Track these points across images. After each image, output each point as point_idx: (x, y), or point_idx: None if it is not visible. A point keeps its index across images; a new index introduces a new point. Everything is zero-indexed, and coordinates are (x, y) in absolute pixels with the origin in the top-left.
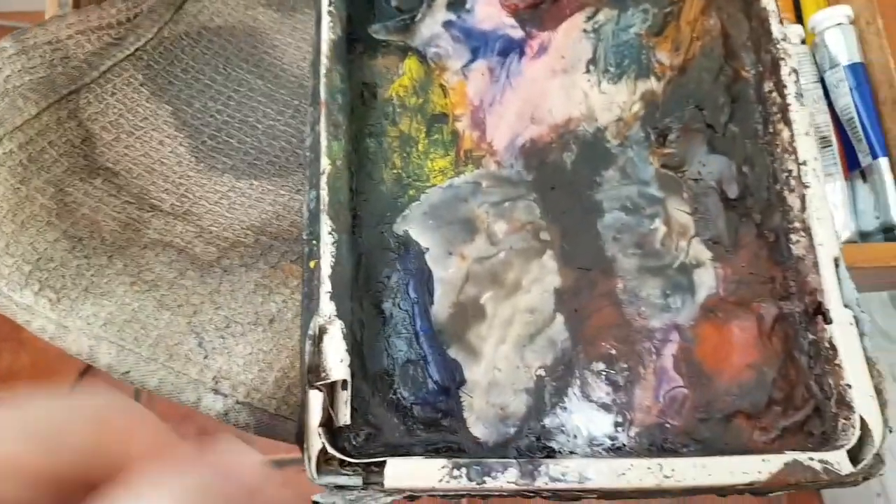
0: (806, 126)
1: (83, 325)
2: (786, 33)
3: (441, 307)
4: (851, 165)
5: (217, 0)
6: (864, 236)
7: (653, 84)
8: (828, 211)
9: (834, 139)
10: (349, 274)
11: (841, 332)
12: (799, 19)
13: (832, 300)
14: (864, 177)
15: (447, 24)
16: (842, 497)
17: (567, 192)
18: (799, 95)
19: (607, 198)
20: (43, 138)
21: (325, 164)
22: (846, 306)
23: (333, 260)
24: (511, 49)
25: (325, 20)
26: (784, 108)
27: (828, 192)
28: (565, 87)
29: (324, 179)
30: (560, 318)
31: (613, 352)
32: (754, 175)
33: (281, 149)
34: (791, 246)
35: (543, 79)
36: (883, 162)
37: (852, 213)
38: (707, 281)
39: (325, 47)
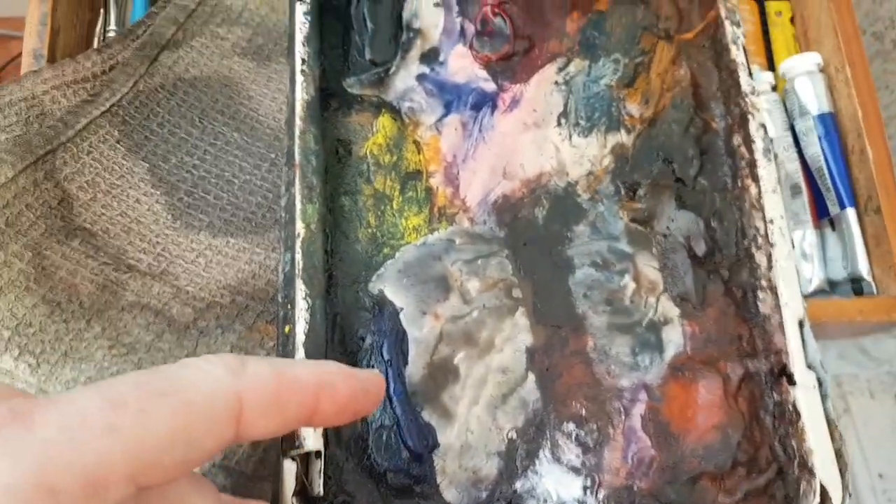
0: (773, 183)
1: (63, 390)
2: (754, 86)
3: (415, 368)
4: (821, 213)
5: (192, 50)
6: (832, 285)
7: (623, 137)
8: (793, 271)
9: (804, 187)
10: (323, 337)
11: (804, 395)
12: (771, 63)
13: (796, 362)
14: (832, 225)
15: (421, 77)
16: None
17: (539, 247)
18: (767, 151)
19: (578, 253)
20: (20, 201)
21: (299, 227)
22: (810, 367)
23: (307, 326)
24: (484, 103)
25: (299, 80)
26: (752, 164)
27: (797, 240)
28: (537, 141)
29: (298, 243)
30: (532, 378)
31: (584, 412)
32: (723, 230)
33: (257, 204)
34: (758, 303)
35: (515, 133)
36: (850, 213)
37: (822, 261)
38: (675, 339)
39: (298, 108)
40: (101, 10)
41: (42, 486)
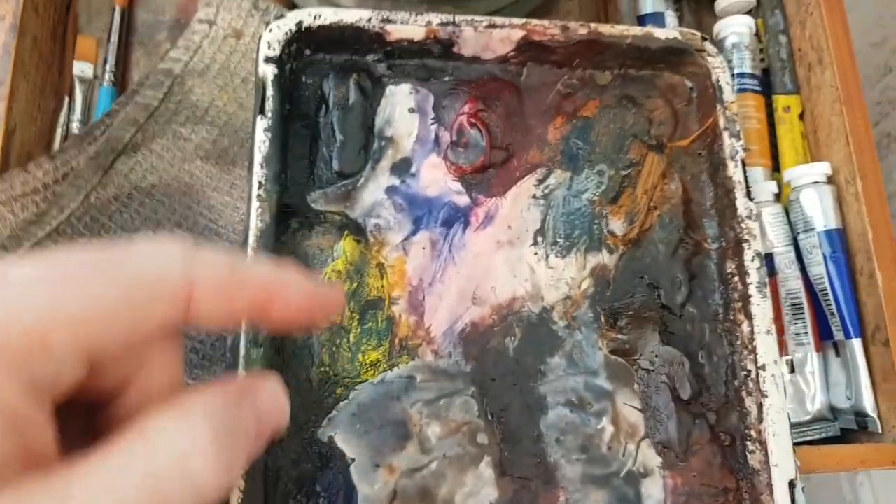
0: (768, 323)
1: None
2: (752, 209)
3: None
4: (824, 335)
5: (152, 154)
6: (835, 412)
7: (605, 258)
8: (786, 424)
9: (806, 306)
10: (260, 500)
11: None
12: (777, 162)
13: None
14: (836, 349)
15: (390, 190)
16: None
17: (508, 384)
18: (762, 286)
19: (552, 390)
20: None
21: (241, 375)
22: None
23: (242, 495)
24: (455, 219)
25: (254, 205)
26: (745, 298)
27: (798, 363)
28: (510, 261)
29: None
30: None
31: None
32: (712, 366)
33: (207, 333)
34: (747, 454)
35: (488, 252)
36: (856, 344)
37: (824, 385)
38: (655, 494)
39: (251, 237)
40: (66, 99)
41: None
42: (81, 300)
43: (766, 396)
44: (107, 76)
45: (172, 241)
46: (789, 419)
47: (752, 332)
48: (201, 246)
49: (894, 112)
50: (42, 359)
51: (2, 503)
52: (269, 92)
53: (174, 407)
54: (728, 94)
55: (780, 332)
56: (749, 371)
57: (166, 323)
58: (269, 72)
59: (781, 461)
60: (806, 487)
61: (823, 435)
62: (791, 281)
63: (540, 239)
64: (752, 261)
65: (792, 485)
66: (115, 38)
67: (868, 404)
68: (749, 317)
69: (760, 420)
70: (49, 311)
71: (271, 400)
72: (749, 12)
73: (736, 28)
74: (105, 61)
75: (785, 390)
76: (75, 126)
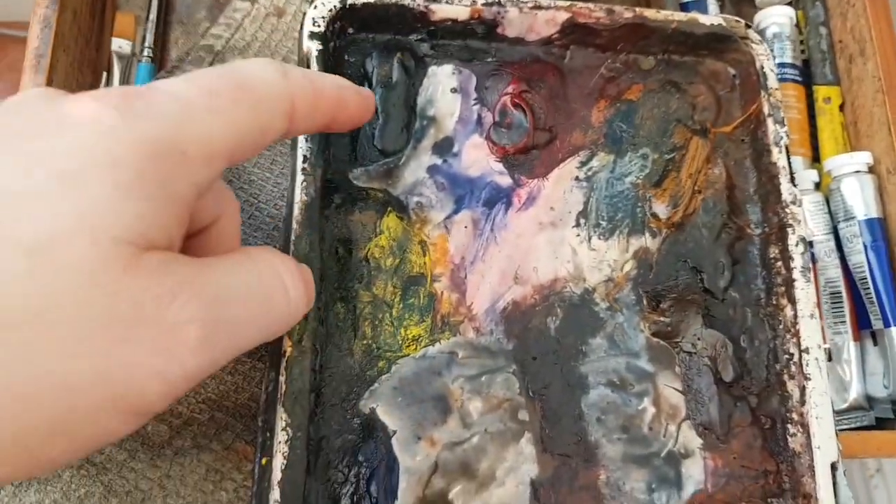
0: (811, 307)
1: None
2: (796, 195)
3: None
4: (862, 324)
5: None
6: (871, 401)
7: (647, 241)
8: (829, 408)
9: (845, 295)
10: (303, 472)
11: None
12: (817, 152)
13: None
14: (874, 338)
15: (432, 170)
16: None
17: (550, 363)
18: (806, 270)
19: (593, 371)
20: None
21: (286, 344)
22: None
23: (285, 462)
24: (497, 199)
25: (299, 179)
26: (788, 282)
27: (835, 351)
28: (553, 242)
29: (284, 362)
30: None
31: None
32: (753, 350)
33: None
34: (788, 437)
35: (530, 233)
36: (895, 332)
37: (861, 375)
38: (695, 474)
39: (296, 210)
40: (104, 74)
41: (177, 147)
42: (232, 115)
43: (809, 379)
44: (145, 53)
45: (270, 63)
46: (832, 403)
47: (795, 315)
48: (287, 67)
49: None
50: (206, 168)
51: (161, 259)
52: (314, 67)
53: (265, 248)
54: (772, 81)
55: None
56: (792, 354)
57: (277, 137)
58: (313, 47)
59: (824, 444)
60: None
61: (858, 424)
62: (830, 270)
63: (582, 221)
64: (797, 245)
65: (834, 467)
66: (153, 15)
67: None
68: (793, 301)
69: (803, 403)
70: (213, 125)
71: (310, 276)
72: (790, 3)
73: (777, 18)
74: (143, 38)
75: (827, 374)
76: None
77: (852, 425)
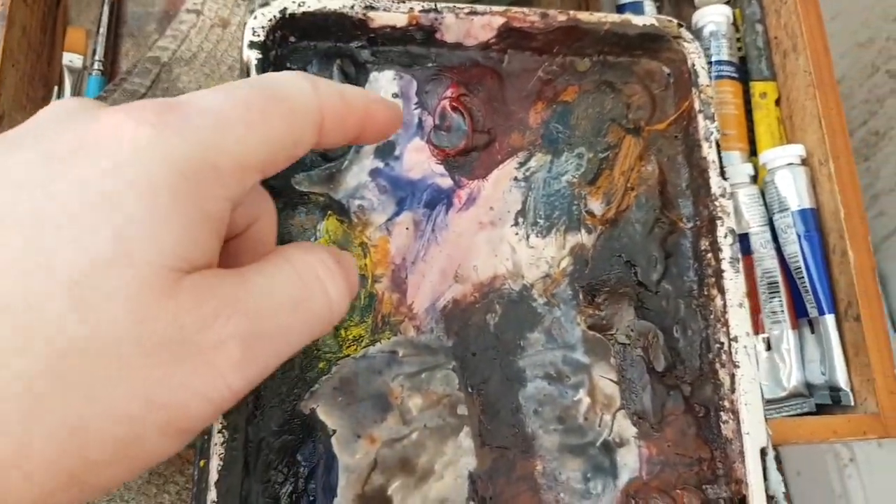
0: (740, 297)
1: None
2: (725, 188)
3: (343, 500)
4: (800, 313)
5: None
6: (811, 388)
7: (583, 237)
8: (758, 395)
9: (782, 285)
10: (240, 473)
11: None
12: (754, 147)
13: (756, 496)
14: (811, 327)
15: (374, 173)
16: None
17: (489, 358)
18: (735, 261)
19: (530, 364)
20: None
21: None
22: (772, 498)
23: (221, 463)
24: (438, 200)
25: None
26: (718, 273)
27: (774, 340)
28: (492, 241)
29: None
30: None
31: None
32: (687, 340)
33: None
34: (721, 424)
35: (470, 233)
36: (829, 319)
37: (800, 363)
38: (630, 462)
39: None
40: (55, 88)
41: (208, 163)
42: (265, 128)
43: (738, 367)
44: (95, 66)
45: (300, 75)
46: (761, 389)
47: (724, 305)
48: (315, 79)
49: (882, 110)
50: (241, 183)
51: (201, 279)
52: (253, 75)
53: (302, 245)
54: (703, 78)
55: (757, 310)
56: (722, 343)
57: (308, 149)
58: (252, 56)
59: (753, 430)
60: (797, 482)
61: (799, 411)
62: (767, 260)
63: (521, 219)
64: (725, 237)
65: (763, 452)
66: (104, 29)
67: (841, 378)
68: (722, 291)
69: (733, 390)
70: (246, 138)
71: (352, 265)
72: (727, 2)
73: (714, 17)
74: (94, 52)
75: (757, 361)
76: None
77: (793, 412)
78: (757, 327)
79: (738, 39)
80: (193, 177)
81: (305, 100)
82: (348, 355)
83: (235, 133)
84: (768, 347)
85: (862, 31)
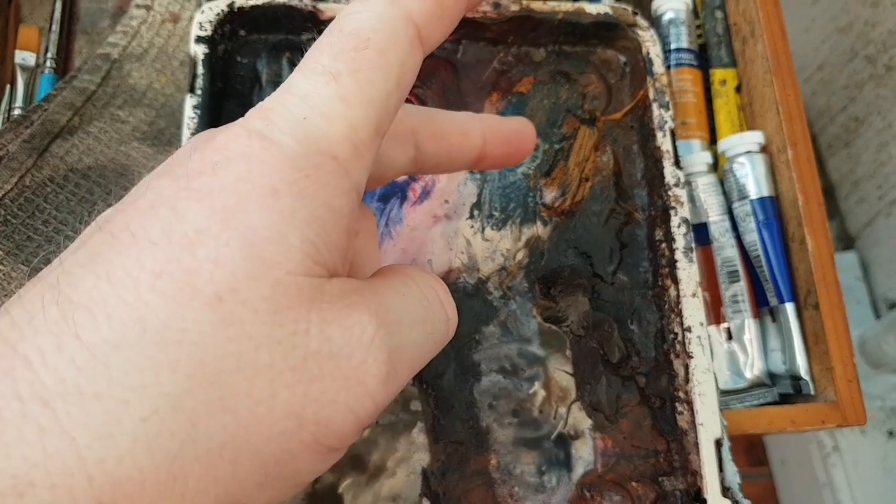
0: (693, 287)
1: None
2: (679, 177)
3: (293, 499)
4: (761, 301)
5: (88, 136)
6: (773, 377)
7: (539, 229)
8: (712, 385)
9: (742, 274)
10: None
11: None
12: (715, 137)
13: (710, 488)
14: (772, 315)
15: None
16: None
17: (443, 352)
18: (688, 251)
19: (486, 358)
20: None
21: None
22: (727, 489)
23: None
24: (392, 194)
25: None
26: (672, 264)
27: (735, 329)
28: (447, 234)
29: None
30: None
31: None
32: (642, 331)
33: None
34: (676, 416)
35: (425, 226)
36: (789, 307)
37: (762, 351)
38: (585, 455)
39: None
40: (8, 87)
41: (325, 154)
42: (363, 91)
43: (691, 357)
44: (48, 64)
45: (374, 4)
46: (716, 380)
47: (678, 295)
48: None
49: (861, 95)
50: (361, 165)
51: (341, 288)
52: (200, 70)
53: (414, 265)
54: (658, 67)
55: (718, 300)
56: (676, 334)
57: (416, 72)
58: (199, 51)
59: (707, 420)
60: (781, 471)
61: (762, 401)
62: (727, 249)
63: (476, 212)
64: (679, 227)
65: (719, 444)
66: (56, 27)
67: (802, 367)
68: (676, 281)
69: (687, 381)
70: (350, 113)
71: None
72: None
73: (673, 4)
74: (47, 50)
75: (711, 352)
76: (17, 113)
77: (755, 402)
78: (718, 317)
79: (699, 27)
80: (314, 173)
81: (389, 27)
82: None
83: (337, 112)
84: (729, 337)
85: (842, 16)
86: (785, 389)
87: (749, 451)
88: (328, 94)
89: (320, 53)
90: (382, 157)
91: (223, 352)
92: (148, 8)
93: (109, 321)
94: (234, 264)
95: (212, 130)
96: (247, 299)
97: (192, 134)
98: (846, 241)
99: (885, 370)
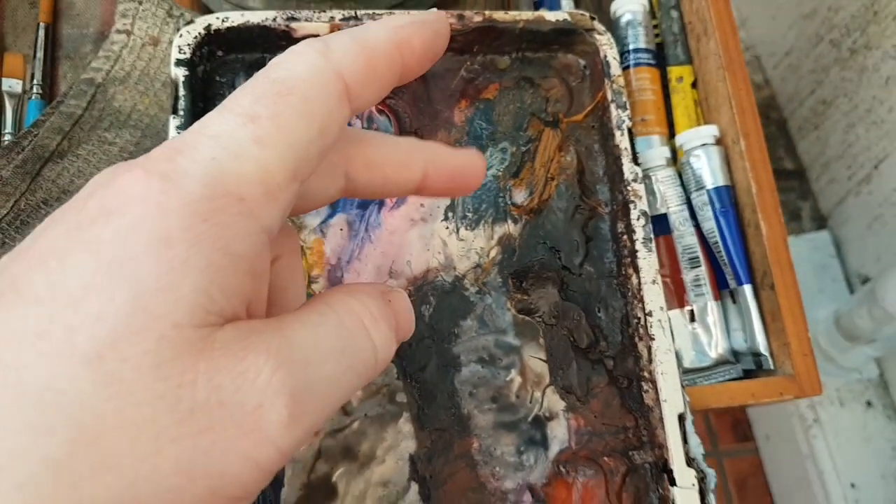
0: (653, 274)
1: None
2: (637, 173)
3: (291, 490)
4: (721, 284)
5: (78, 159)
6: (737, 355)
7: (510, 227)
8: (673, 364)
9: (703, 260)
10: None
11: (683, 496)
12: (673, 132)
13: (676, 459)
14: (733, 296)
15: None
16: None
17: (425, 347)
18: (647, 241)
19: (465, 350)
20: None
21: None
22: (692, 460)
23: None
24: (370, 201)
25: None
26: (633, 253)
27: (699, 311)
28: (424, 236)
29: None
30: (415, 488)
31: None
32: (608, 317)
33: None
34: (643, 394)
35: (402, 230)
36: (747, 289)
37: (725, 331)
38: (560, 434)
39: None
40: None
41: (230, 195)
42: (281, 133)
43: (653, 339)
44: (35, 90)
45: (304, 45)
46: (678, 359)
47: (639, 283)
48: (326, 39)
49: (827, 79)
50: (272, 206)
51: (235, 333)
52: (181, 92)
53: (344, 289)
54: (615, 69)
55: (681, 284)
56: (639, 318)
57: (342, 127)
58: (180, 74)
59: (670, 397)
60: (766, 446)
61: (727, 377)
62: (687, 237)
63: (450, 214)
64: (638, 219)
65: (682, 418)
66: (40, 53)
67: (761, 344)
68: (637, 270)
69: (650, 361)
70: (264, 154)
71: (404, 305)
72: None
73: (630, 6)
74: (33, 76)
75: (672, 333)
76: (7, 139)
77: (721, 379)
78: (682, 301)
79: (656, 26)
80: (214, 217)
81: (317, 78)
82: None
83: (249, 154)
84: (692, 319)
85: (806, 3)
86: (748, 365)
87: (735, 428)
88: (243, 136)
89: (242, 96)
90: (307, 187)
91: (103, 410)
92: (128, 33)
93: None
94: (117, 320)
95: (118, 167)
96: (128, 356)
97: None
98: (819, 220)
99: (860, 342)
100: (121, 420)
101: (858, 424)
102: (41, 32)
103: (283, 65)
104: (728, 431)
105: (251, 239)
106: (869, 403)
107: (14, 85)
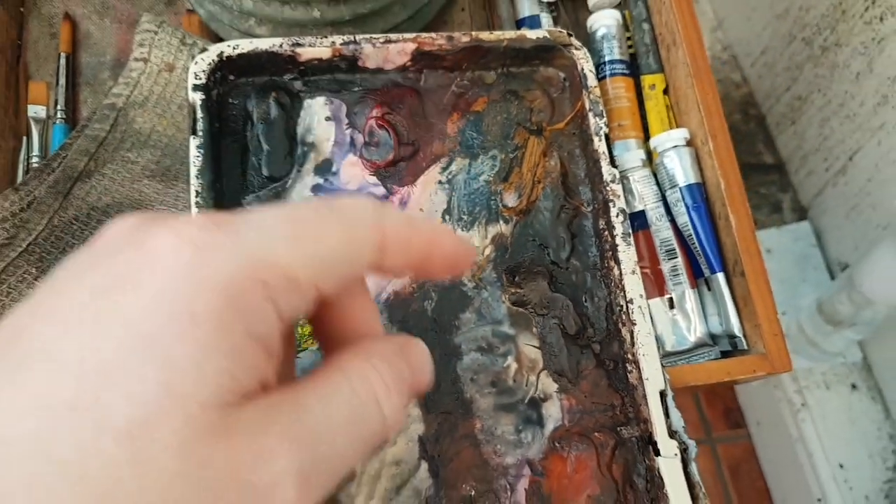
0: (632, 265)
1: None
2: (615, 174)
3: None
4: (697, 273)
5: (104, 178)
6: (714, 338)
7: (502, 227)
8: (653, 346)
9: (678, 251)
10: None
11: (666, 464)
12: (648, 136)
13: (659, 431)
14: (708, 284)
15: (315, 188)
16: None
17: (429, 338)
18: (626, 235)
19: (465, 340)
20: None
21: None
22: (673, 435)
23: None
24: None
25: (193, 211)
26: (613, 247)
27: (677, 298)
28: None
29: None
30: (424, 466)
31: (473, 493)
32: (594, 306)
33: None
34: (627, 374)
35: None
36: (720, 276)
37: (702, 316)
38: (554, 413)
39: None
40: (24, 138)
41: (256, 279)
42: (316, 241)
43: (635, 324)
44: (58, 115)
45: (363, 199)
46: (658, 341)
47: (620, 274)
48: (383, 203)
49: (801, 76)
50: (292, 295)
51: (254, 414)
52: (199, 115)
53: (361, 352)
54: (591, 81)
55: (660, 275)
56: (622, 306)
57: (369, 267)
58: (197, 98)
59: (652, 376)
60: (758, 431)
61: (706, 358)
62: (663, 231)
63: (447, 217)
64: (617, 216)
65: (663, 395)
66: (62, 81)
67: (735, 326)
68: (618, 262)
69: (633, 344)
70: (295, 251)
71: (422, 359)
72: (618, 6)
73: (605, 21)
74: (56, 102)
75: (652, 319)
76: (34, 161)
77: (701, 360)
78: (661, 290)
79: (629, 38)
80: (239, 297)
81: (364, 214)
82: (307, 348)
83: (285, 245)
84: (671, 306)
85: (778, 3)
86: (725, 347)
87: (727, 416)
88: (284, 231)
89: (300, 204)
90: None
91: (131, 488)
92: (145, 60)
93: (16, 457)
94: (148, 400)
95: (146, 220)
96: (157, 436)
97: (198, 172)
98: (799, 212)
99: (842, 327)
100: (145, 497)
101: (844, 407)
102: (62, 61)
103: (342, 199)
104: (720, 419)
105: (271, 323)
106: (854, 386)
107: (39, 111)
